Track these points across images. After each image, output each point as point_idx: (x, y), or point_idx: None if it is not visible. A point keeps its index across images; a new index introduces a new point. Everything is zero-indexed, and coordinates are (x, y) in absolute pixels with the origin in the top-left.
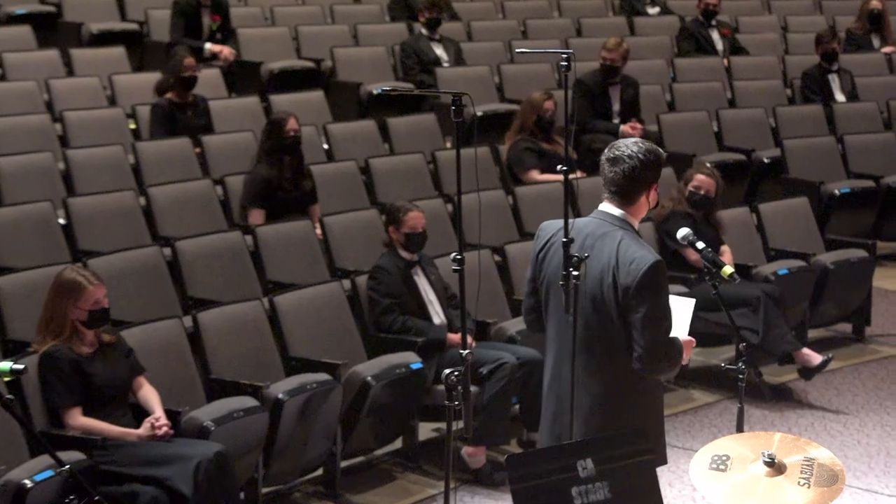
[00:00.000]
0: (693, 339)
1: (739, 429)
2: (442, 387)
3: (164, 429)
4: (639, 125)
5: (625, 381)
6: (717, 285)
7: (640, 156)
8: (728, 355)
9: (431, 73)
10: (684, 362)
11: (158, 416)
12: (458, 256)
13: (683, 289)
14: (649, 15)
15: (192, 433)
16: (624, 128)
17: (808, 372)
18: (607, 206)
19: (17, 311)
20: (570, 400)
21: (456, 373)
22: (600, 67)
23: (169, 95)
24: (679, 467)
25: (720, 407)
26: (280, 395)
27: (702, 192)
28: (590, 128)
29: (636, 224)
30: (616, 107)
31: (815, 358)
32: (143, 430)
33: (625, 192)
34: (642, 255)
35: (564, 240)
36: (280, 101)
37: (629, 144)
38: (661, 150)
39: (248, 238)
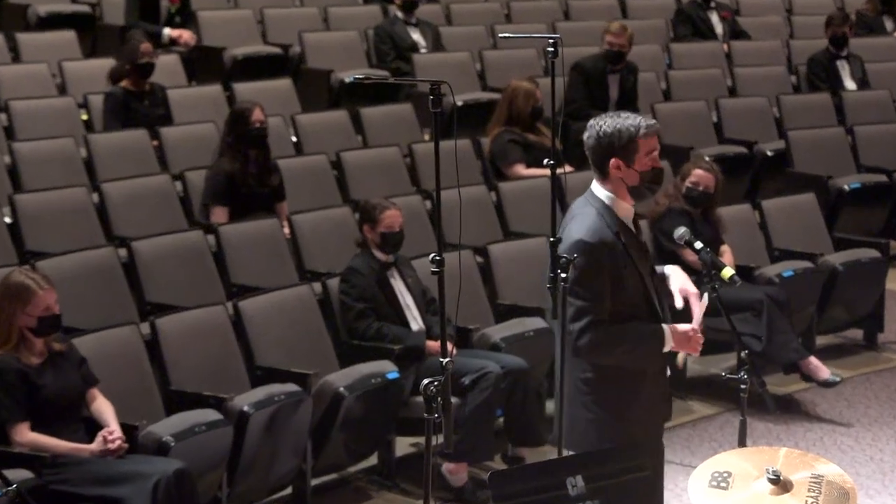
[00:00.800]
0: (691, 329)
1: (742, 443)
2: (420, 398)
3: (118, 443)
4: None
5: (592, 369)
6: (716, 288)
7: (596, 126)
8: (729, 364)
9: (408, 60)
10: (692, 353)
11: (112, 429)
12: (438, 257)
13: None
14: None
15: (151, 449)
16: None
17: (809, 380)
18: (593, 182)
19: None
20: (560, 392)
21: (435, 383)
22: (605, 53)
23: (124, 84)
24: (677, 485)
25: (721, 420)
26: (245, 408)
27: (700, 188)
28: (583, 117)
29: (622, 201)
30: (614, 95)
31: (823, 371)
32: (96, 444)
33: (593, 165)
34: (574, 233)
35: (552, 239)
36: (244, 89)
37: (608, 115)
38: (638, 126)
39: (211, 238)
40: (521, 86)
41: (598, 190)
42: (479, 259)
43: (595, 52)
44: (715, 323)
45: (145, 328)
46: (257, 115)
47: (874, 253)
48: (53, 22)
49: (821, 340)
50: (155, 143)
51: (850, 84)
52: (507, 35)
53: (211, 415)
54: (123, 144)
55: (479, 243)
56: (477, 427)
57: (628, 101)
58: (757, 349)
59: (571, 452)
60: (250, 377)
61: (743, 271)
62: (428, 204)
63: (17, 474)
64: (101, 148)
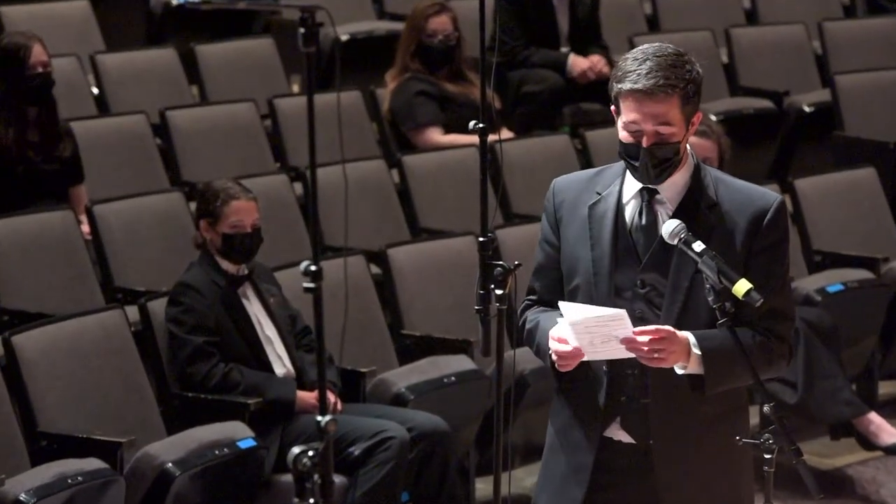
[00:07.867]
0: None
1: None
2: (288, 476)
3: None
4: (599, 57)
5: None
6: (727, 310)
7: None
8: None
9: None
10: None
11: None
12: (313, 267)
13: None
14: None
15: None
16: (577, 61)
17: (870, 446)
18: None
19: None
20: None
21: (310, 453)
22: None
23: None
24: None
25: None
26: (23, 497)
27: None
28: (522, 60)
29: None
30: (565, 27)
31: (888, 433)
32: None
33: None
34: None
35: (482, 239)
36: (17, 14)
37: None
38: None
39: None
40: (419, 12)
41: None
42: (376, 269)
43: None
44: None
45: None
46: (38, 54)
47: None
48: None
49: (886, 388)
50: None
51: None
52: None
53: None
54: None
55: (374, 246)
56: None
57: (586, 36)
58: (789, 401)
59: None
60: (31, 449)
61: None
62: (298, 188)
63: None
64: None
